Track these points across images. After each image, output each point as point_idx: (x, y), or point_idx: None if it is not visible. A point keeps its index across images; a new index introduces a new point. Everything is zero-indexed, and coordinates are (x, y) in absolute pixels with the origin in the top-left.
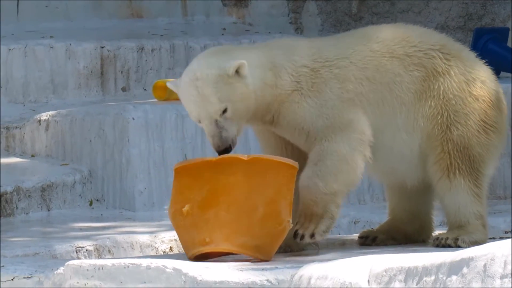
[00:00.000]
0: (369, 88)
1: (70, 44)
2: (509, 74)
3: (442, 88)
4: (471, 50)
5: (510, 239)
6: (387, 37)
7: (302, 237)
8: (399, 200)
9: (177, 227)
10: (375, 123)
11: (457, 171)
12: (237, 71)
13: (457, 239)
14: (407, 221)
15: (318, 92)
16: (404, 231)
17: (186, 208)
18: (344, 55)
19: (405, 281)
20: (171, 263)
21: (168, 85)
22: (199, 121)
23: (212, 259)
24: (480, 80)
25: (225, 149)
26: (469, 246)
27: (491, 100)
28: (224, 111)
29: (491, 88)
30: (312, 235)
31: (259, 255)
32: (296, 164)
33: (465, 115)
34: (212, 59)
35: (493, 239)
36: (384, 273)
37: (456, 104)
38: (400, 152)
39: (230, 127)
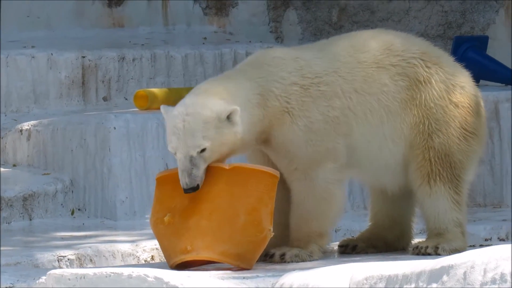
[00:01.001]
0: (357, 100)
1: (52, 54)
2: (488, 82)
3: (423, 97)
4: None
5: (489, 247)
6: (372, 47)
7: (272, 255)
8: (383, 205)
9: (158, 235)
10: (362, 133)
11: (438, 178)
12: (228, 117)
13: (437, 248)
14: (388, 228)
15: (307, 112)
16: (385, 238)
17: (167, 217)
18: (332, 69)
19: None
20: (152, 272)
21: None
22: (175, 153)
23: (193, 268)
24: (459, 86)
25: (191, 188)
26: (449, 254)
27: (470, 106)
28: (203, 150)
29: (470, 94)
30: (283, 255)
31: (240, 264)
32: (277, 173)
33: (446, 123)
34: (207, 100)
35: (473, 246)
36: (365, 281)
37: (437, 113)
38: (385, 161)
39: (201, 165)
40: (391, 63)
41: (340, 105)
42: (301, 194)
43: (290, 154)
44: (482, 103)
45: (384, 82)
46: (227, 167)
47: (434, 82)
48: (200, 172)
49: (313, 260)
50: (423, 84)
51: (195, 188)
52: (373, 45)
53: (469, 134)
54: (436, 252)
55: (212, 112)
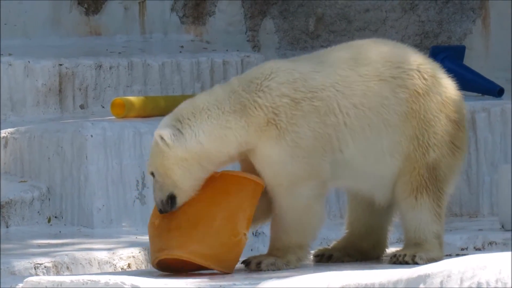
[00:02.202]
0: (355, 116)
1: (29, 62)
2: (465, 92)
3: (423, 109)
4: None
5: (466, 256)
6: (373, 59)
7: (249, 263)
8: (361, 213)
9: (149, 238)
10: (359, 148)
11: (424, 191)
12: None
13: (414, 256)
14: (364, 236)
15: (296, 126)
16: (360, 247)
17: (157, 220)
18: (330, 83)
19: None
20: (129, 280)
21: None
22: None
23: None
24: (452, 99)
25: (160, 210)
26: (426, 263)
27: (460, 120)
28: (152, 174)
29: (460, 107)
30: (259, 264)
31: (216, 266)
32: (261, 181)
33: (441, 136)
34: (164, 120)
35: (450, 256)
36: None
37: (435, 125)
38: (381, 174)
39: (158, 190)
40: (392, 75)
41: (334, 122)
42: (282, 208)
43: (275, 168)
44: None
45: (385, 95)
46: (214, 174)
47: (432, 94)
48: (157, 195)
49: (289, 269)
50: (422, 96)
51: (160, 210)
52: (374, 57)
53: (456, 148)
54: (413, 261)
55: (156, 135)
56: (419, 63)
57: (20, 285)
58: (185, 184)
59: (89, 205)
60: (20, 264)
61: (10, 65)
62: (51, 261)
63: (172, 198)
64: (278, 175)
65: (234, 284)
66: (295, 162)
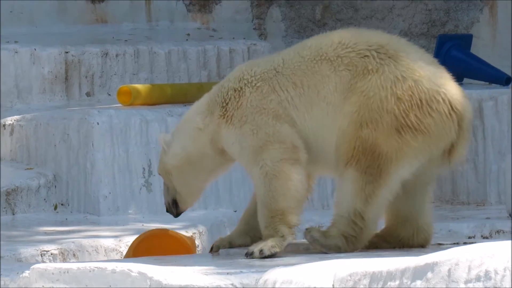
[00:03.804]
0: (295, 93)
1: (35, 49)
2: (472, 81)
3: (366, 86)
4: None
5: (474, 244)
6: (324, 43)
7: (252, 253)
8: (392, 203)
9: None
10: (308, 126)
11: (354, 163)
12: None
13: (309, 231)
14: (400, 225)
15: (241, 109)
16: (398, 236)
17: None
18: (272, 67)
19: (370, 285)
20: (136, 267)
21: None
22: None
23: (176, 263)
24: (412, 79)
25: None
26: (317, 244)
27: (418, 101)
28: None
29: (424, 89)
30: (261, 251)
31: None
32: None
33: (379, 113)
34: None
35: (457, 244)
36: (349, 278)
37: (373, 102)
38: (330, 152)
39: (165, 192)
40: (337, 54)
41: (276, 99)
42: (256, 182)
43: (236, 149)
44: (445, 101)
45: (326, 73)
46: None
47: (381, 72)
48: (165, 198)
49: (286, 242)
50: (371, 73)
51: (170, 213)
52: (325, 41)
53: (407, 128)
54: (309, 240)
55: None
56: (381, 45)
57: (27, 272)
58: (182, 190)
59: (96, 192)
60: (27, 251)
61: (16, 52)
62: (58, 248)
63: (175, 203)
64: (241, 155)
65: (241, 272)
66: (248, 137)
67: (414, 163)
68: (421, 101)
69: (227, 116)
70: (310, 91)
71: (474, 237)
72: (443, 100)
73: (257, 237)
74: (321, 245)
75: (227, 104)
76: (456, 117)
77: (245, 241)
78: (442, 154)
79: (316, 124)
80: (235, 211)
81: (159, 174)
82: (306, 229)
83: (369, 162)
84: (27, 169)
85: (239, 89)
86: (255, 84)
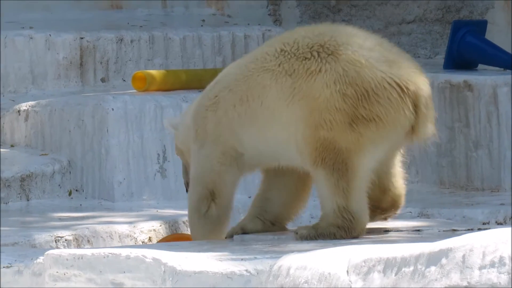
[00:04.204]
0: (242, 109)
1: (50, 35)
2: (487, 67)
3: (311, 88)
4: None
5: (488, 230)
6: (267, 52)
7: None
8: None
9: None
10: (257, 140)
11: (320, 163)
12: None
13: (296, 233)
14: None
15: (204, 133)
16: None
17: None
18: (226, 85)
19: (384, 271)
20: (150, 253)
21: None
22: None
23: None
24: (354, 71)
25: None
26: (305, 239)
27: (365, 91)
28: None
29: (368, 78)
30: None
31: None
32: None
33: (330, 112)
34: None
35: (471, 230)
36: (363, 264)
37: (321, 103)
38: (289, 156)
39: (184, 172)
40: (279, 63)
41: (226, 121)
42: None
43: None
44: (391, 86)
45: (266, 83)
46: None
47: (323, 71)
48: (184, 178)
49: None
50: (313, 74)
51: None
52: (269, 50)
53: (359, 121)
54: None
55: None
56: (321, 44)
57: (41, 258)
58: (187, 174)
59: (110, 178)
60: (41, 237)
61: (31, 38)
62: (72, 234)
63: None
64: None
65: (255, 258)
66: (194, 168)
67: (375, 151)
68: (367, 91)
69: (197, 140)
70: (254, 103)
71: (488, 223)
72: (390, 84)
73: (267, 220)
74: (314, 237)
75: (198, 126)
76: (408, 98)
77: (256, 225)
78: (405, 134)
79: (265, 136)
80: (249, 197)
81: (176, 154)
82: (295, 231)
83: (333, 159)
84: (42, 155)
85: (206, 108)
86: (212, 107)
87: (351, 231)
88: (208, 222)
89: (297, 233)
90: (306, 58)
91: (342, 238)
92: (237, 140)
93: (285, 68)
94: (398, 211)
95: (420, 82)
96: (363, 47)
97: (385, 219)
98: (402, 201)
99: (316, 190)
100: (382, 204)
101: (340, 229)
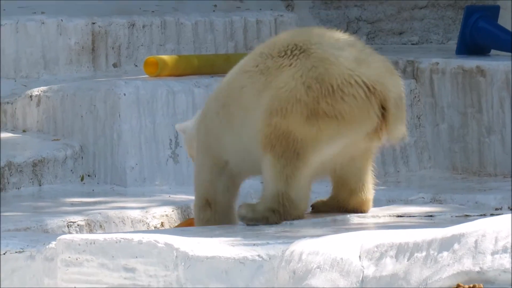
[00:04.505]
0: (224, 114)
1: (62, 20)
2: (499, 52)
3: (278, 80)
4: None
5: (501, 216)
6: (247, 59)
7: None
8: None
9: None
10: (237, 145)
11: (269, 149)
12: None
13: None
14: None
15: (198, 143)
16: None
17: None
18: (213, 95)
19: (396, 257)
20: (162, 238)
21: None
22: None
23: (202, 235)
24: (323, 67)
25: None
26: (245, 221)
27: (330, 87)
28: None
29: (335, 74)
30: None
31: None
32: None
33: (289, 102)
34: None
35: (484, 215)
36: (375, 249)
37: (283, 93)
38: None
39: None
40: (254, 65)
41: (212, 128)
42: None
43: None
44: (360, 84)
45: (242, 84)
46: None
47: (293, 66)
48: None
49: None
50: (283, 69)
51: None
52: (249, 57)
53: (319, 116)
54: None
55: None
56: (296, 43)
57: (53, 243)
58: None
59: (122, 163)
60: (53, 222)
61: (43, 23)
62: (84, 220)
63: None
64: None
65: (268, 243)
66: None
67: (332, 147)
68: (332, 86)
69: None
70: (233, 106)
71: (501, 208)
72: (357, 82)
73: None
74: (249, 219)
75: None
76: (375, 98)
77: None
78: (373, 133)
79: (243, 135)
80: (262, 183)
81: (189, 157)
82: (238, 207)
83: (284, 148)
84: (54, 140)
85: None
86: (202, 120)
87: (286, 217)
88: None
89: (238, 210)
90: (280, 56)
91: (274, 223)
92: (221, 148)
93: (260, 68)
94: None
95: (390, 83)
96: (334, 47)
97: None
98: (369, 206)
99: (262, 174)
100: (349, 206)
101: (274, 213)
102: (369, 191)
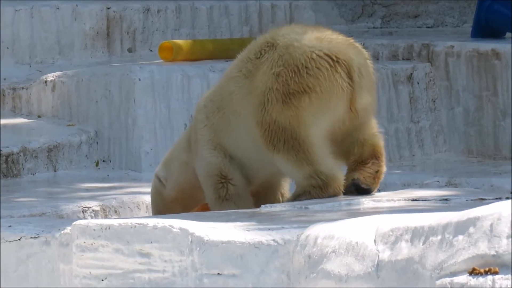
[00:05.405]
0: (219, 116)
1: (76, 5)
2: None
3: (256, 81)
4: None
5: None
6: (231, 64)
7: None
8: None
9: None
10: (233, 143)
11: (273, 148)
12: None
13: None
14: None
15: (195, 143)
16: None
17: None
18: (209, 98)
19: (412, 240)
20: (177, 223)
21: None
22: None
23: (217, 219)
24: (287, 53)
25: None
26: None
27: (295, 67)
28: None
29: (298, 55)
30: None
31: None
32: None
33: (264, 94)
34: None
35: (499, 199)
36: (391, 233)
37: (259, 88)
38: (260, 156)
39: None
40: (239, 69)
41: (208, 128)
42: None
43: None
44: (322, 56)
45: (231, 90)
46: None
47: (265, 62)
48: None
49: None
50: (259, 69)
51: None
52: (233, 62)
53: (292, 95)
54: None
55: None
56: (268, 40)
57: (68, 228)
58: None
59: (137, 148)
60: (68, 208)
61: (58, 8)
62: (99, 205)
63: None
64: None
65: (283, 227)
66: (199, 171)
67: (319, 122)
68: (297, 66)
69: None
70: (226, 110)
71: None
72: (319, 55)
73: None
74: (292, 199)
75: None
76: (340, 67)
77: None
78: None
79: (239, 138)
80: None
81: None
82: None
83: (282, 139)
84: (69, 125)
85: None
86: (199, 118)
87: (327, 188)
88: (231, 202)
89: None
90: (257, 57)
91: (318, 196)
92: (224, 144)
93: (243, 73)
94: (381, 162)
95: (352, 52)
96: (298, 33)
97: (377, 174)
98: (381, 148)
99: (284, 174)
100: (363, 156)
101: (315, 187)
102: (378, 136)
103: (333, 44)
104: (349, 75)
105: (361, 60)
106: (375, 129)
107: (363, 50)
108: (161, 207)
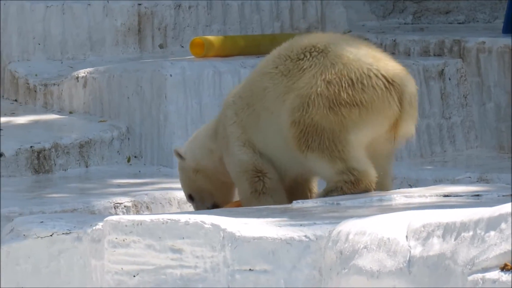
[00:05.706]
0: (248, 112)
1: (108, 1)
2: None
3: (300, 81)
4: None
5: None
6: (265, 60)
7: None
8: None
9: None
10: (262, 141)
11: (306, 148)
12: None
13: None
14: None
15: (224, 140)
16: None
17: None
18: (239, 94)
19: (443, 236)
20: (209, 219)
21: None
22: None
23: (249, 215)
24: (341, 63)
25: None
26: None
27: (349, 80)
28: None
29: (354, 68)
30: None
31: None
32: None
33: (309, 97)
34: None
35: None
36: (422, 229)
37: (305, 91)
38: (290, 156)
39: (201, 206)
40: (275, 66)
41: (238, 123)
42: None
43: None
44: (379, 76)
45: (265, 86)
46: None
47: (312, 66)
48: (203, 207)
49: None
50: (304, 71)
51: None
52: (267, 57)
53: (341, 105)
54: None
55: None
56: (313, 44)
57: (100, 224)
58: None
59: (169, 144)
60: (100, 204)
61: (89, 5)
62: (131, 201)
63: (216, 206)
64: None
65: (314, 223)
66: (229, 166)
67: (360, 133)
68: (351, 79)
69: (223, 146)
70: (257, 106)
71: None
72: (376, 75)
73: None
74: (323, 195)
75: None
76: (394, 90)
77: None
78: (389, 131)
79: (269, 136)
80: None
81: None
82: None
83: (318, 140)
84: (100, 121)
85: (225, 115)
86: (228, 114)
87: (359, 184)
88: (268, 196)
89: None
90: (299, 58)
91: (350, 192)
92: (247, 139)
93: (281, 70)
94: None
95: (406, 79)
96: (351, 46)
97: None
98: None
99: (315, 174)
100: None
101: (347, 183)
102: (389, 185)
103: (390, 68)
104: (400, 100)
105: (413, 89)
106: (391, 171)
107: (412, 77)
108: (187, 180)
